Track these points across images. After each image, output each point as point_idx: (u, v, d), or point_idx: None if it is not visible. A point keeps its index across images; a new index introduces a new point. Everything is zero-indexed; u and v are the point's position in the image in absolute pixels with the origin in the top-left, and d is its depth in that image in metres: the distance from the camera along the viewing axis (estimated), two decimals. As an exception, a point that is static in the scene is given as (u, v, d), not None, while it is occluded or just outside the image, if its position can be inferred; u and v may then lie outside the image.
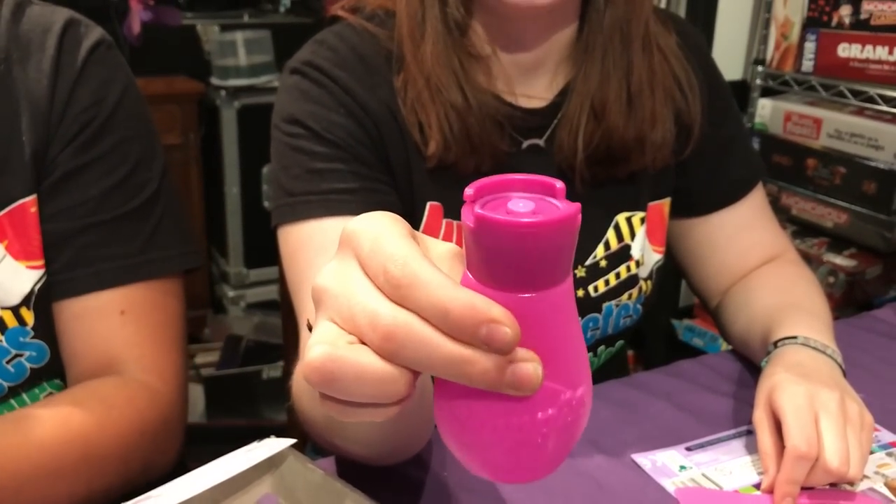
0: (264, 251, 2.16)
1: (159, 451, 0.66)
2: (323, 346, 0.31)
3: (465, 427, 0.33)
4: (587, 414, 0.34)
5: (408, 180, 0.79)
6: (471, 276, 0.32)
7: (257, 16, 2.31)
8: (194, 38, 2.21)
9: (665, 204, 0.89)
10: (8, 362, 0.69)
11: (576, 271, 0.84)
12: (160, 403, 0.71)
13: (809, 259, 1.59)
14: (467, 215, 0.31)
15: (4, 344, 0.69)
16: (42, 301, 0.70)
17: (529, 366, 0.30)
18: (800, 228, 1.65)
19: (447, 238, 0.80)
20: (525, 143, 0.82)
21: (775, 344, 0.77)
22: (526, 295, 0.31)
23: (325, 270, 0.34)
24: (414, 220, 0.80)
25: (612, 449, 0.72)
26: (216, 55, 2.13)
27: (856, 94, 1.53)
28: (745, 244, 0.93)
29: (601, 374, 0.88)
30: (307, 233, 0.74)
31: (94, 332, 0.70)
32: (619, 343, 0.93)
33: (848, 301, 1.52)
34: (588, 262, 0.84)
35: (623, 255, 0.85)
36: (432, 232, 0.80)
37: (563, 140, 0.81)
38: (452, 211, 0.80)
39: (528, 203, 0.31)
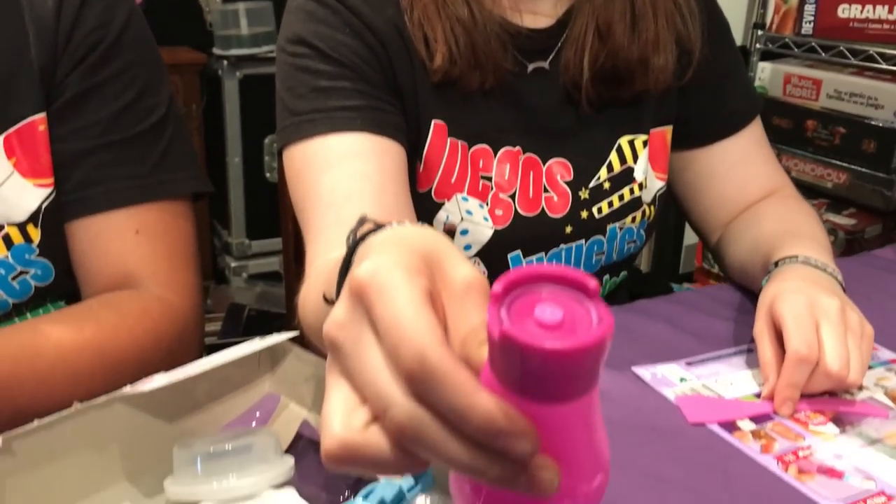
0: (267, 222, 2.16)
1: (176, 363, 0.67)
2: (337, 431, 0.29)
3: None
4: (603, 494, 0.33)
5: (413, 98, 0.80)
6: (492, 373, 0.29)
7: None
8: (196, 8, 2.21)
9: (667, 131, 0.90)
10: (13, 279, 0.70)
11: (580, 193, 0.85)
12: (175, 316, 0.71)
13: (809, 220, 1.60)
14: (493, 323, 0.27)
15: (10, 260, 0.69)
16: (49, 219, 0.70)
17: (546, 474, 0.28)
18: (801, 189, 1.64)
19: (451, 157, 0.81)
20: (530, 67, 0.83)
21: (776, 264, 0.78)
22: (548, 406, 0.29)
23: (336, 318, 0.31)
24: (420, 139, 0.80)
25: (611, 362, 0.73)
26: (218, 25, 2.13)
27: (855, 53, 1.54)
28: (744, 176, 0.93)
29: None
30: (312, 150, 0.75)
31: (109, 251, 0.71)
32: (623, 273, 0.94)
33: (848, 260, 1.53)
34: (592, 185, 0.85)
35: (626, 177, 0.86)
36: (437, 151, 0.81)
37: (569, 60, 0.82)
38: (456, 129, 0.81)
39: (557, 311, 0.28)
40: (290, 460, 0.53)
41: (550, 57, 0.83)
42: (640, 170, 0.87)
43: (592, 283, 0.28)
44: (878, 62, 1.48)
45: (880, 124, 1.48)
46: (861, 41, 1.52)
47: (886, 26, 1.47)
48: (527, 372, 0.27)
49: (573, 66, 0.82)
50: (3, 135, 0.68)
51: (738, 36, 1.78)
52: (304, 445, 0.58)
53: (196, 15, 2.19)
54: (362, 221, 0.42)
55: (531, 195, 0.84)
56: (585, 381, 0.28)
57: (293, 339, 0.61)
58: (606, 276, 0.91)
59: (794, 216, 0.89)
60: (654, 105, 0.88)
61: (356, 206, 0.70)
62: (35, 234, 0.70)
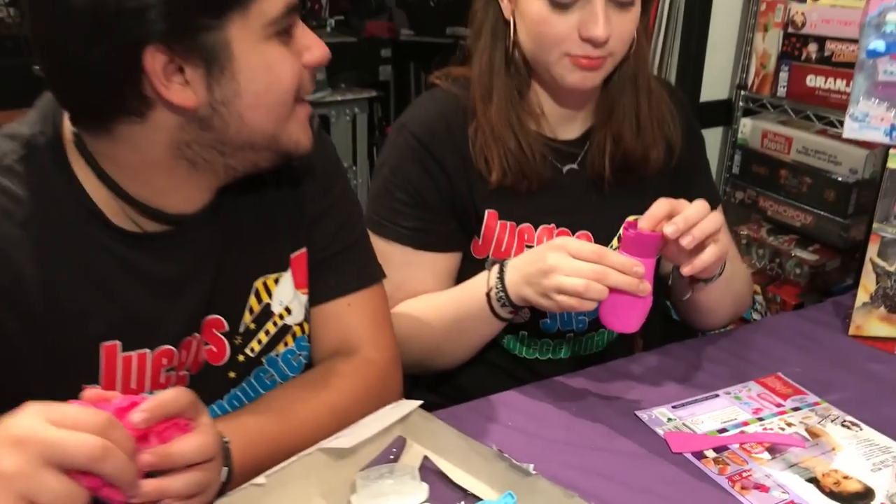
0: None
1: (382, 403, 0.95)
2: None
3: (614, 308, 0.97)
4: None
5: (470, 197, 1.15)
6: (623, 251, 0.95)
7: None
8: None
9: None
10: (294, 360, 1.00)
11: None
12: (381, 372, 0.98)
13: (780, 253, 1.90)
14: (630, 226, 0.97)
15: (293, 347, 0.99)
16: (308, 315, 1.00)
17: (647, 284, 0.91)
18: (774, 227, 1.96)
19: (501, 233, 1.17)
20: (565, 169, 1.17)
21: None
22: (645, 259, 0.93)
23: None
24: (477, 222, 1.16)
25: (621, 408, 1.06)
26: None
27: (820, 118, 1.83)
28: None
29: (618, 342, 1.24)
30: (377, 244, 1.09)
31: (333, 325, 0.99)
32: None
33: (812, 288, 1.84)
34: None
35: None
36: (490, 230, 1.17)
37: (594, 161, 1.17)
38: (505, 215, 1.16)
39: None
40: (426, 486, 0.86)
41: (579, 159, 1.17)
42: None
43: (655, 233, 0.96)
44: (837, 126, 1.78)
45: (839, 178, 1.79)
46: (824, 107, 1.81)
47: (844, 97, 1.77)
48: (639, 244, 0.94)
49: (597, 164, 1.17)
50: (291, 259, 0.95)
51: (724, 93, 2.07)
52: (424, 474, 0.90)
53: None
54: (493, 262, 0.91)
55: None
56: (656, 250, 0.95)
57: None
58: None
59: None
60: (651, 193, 1.20)
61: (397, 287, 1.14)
62: (306, 327, 0.99)
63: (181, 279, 0.87)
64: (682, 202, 0.99)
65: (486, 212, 1.15)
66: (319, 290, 1.00)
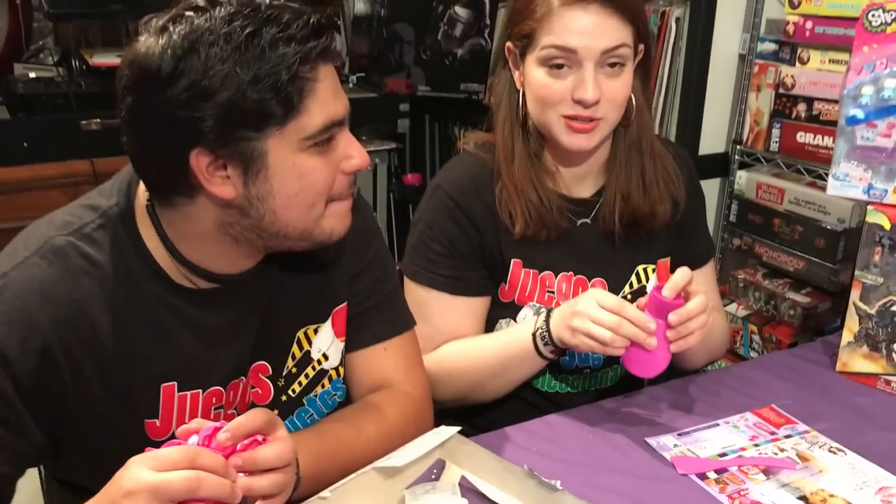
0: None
1: (418, 429, 1.09)
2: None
3: (636, 355, 1.13)
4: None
5: (497, 248, 1.29)
6: (646, 309, 1.11)
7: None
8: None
9: (668, 260, 1.36)
10: (329, 399, 1.13)
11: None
12: (416, 404, 1.11)
13: (775, 295, 2.04)
14: (656, 290, 1.13)
15: (329, 388, 1.12)
16: (343, 359, 1.13)
17: (654, 340, 1.11)
18: (769, 271, 2.10)
19: (525, 279, 1.31)
20: (579, 222, 1.31)
21: None
22: (660, 319, 1.11)
23: None
24: (504, 270, 1.30)
25: (633, 435, 1.19)
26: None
27: (809, 171, 1.98)
28: None
29: (631, 375, 1.38)
30: (415, 290, 1.26)
31: (370, 367, 1.12)
32: None
33: (805, 328, 1.96)
34: (620, 295, 1.32)
35: (642, 291, 1.34)
36: (515, 277, 1.31)
37: (605, 217, 1.31)
38: (529, 263, 1.30)
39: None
40: (466, 501, 0.99)
41: (592, 215, 1.32)
42: (651, 287, 1.34)
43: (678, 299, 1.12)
44: (825, 179, 1.92)
45: (828, 227, 1.92)
46: (814, 161, 1.95)
47: (831, 152, 1.91)
48: (659, 307, 1.11)
49: (608, 220, 1.31)
50: (333, 313, 1.09)
51: (721, 147, 2.22)
52: (462, 492, 1.04)
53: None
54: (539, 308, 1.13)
55: None
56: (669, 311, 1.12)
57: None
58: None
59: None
60: (658, 244, 1.35)
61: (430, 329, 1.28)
62: (341, 370, 1.12)
63: (230, 330, 1.00)
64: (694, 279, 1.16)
65: (512, 261, 1.30)
66: (359, 338, 1.13)
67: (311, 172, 0.89)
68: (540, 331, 1.22)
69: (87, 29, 2.56)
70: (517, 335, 1.26)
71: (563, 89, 1.20)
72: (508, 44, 1.27)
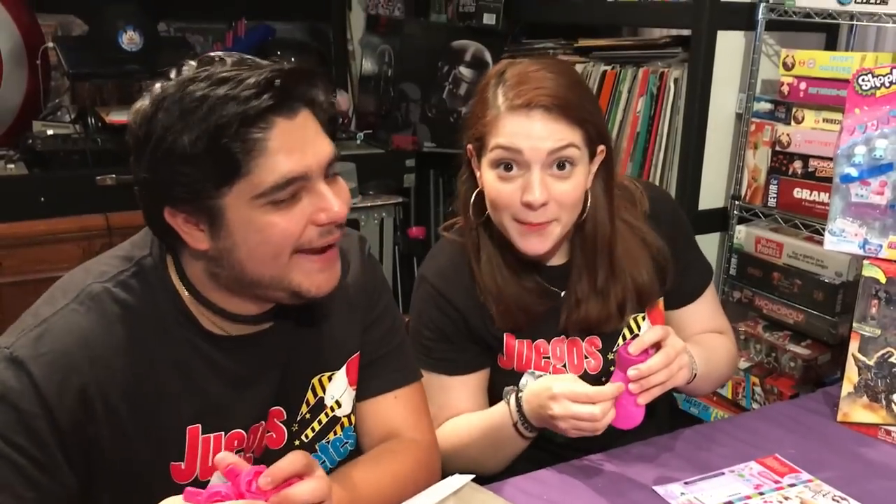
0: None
1: (429, 475, 1.14)
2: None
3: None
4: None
5: (485, 328, 1.33)
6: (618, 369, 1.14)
7: (340, 147, 2.85)
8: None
9: (660, 303, 1.41)
10: (341, 447, 1.16)
11: (608, 356, 1.36)
12: (424, 451, 1.16)
13: (776, 348, 2.08)
14: (624, 349, 1.16)
15: (342, 436, 1.15)
16: (355, 407, 1.16)
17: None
18: (769, 324, 2.14)
19: (521, 348, 1.35)
20: (562, 293, 1.34)
21: None
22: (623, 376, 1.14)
23: None
24: (499, 343, 1.34)
25: (641, 483, 1.22)
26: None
27: (806, 225, 2.03)
28: (703, 323, 1.46)
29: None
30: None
31: (379, 415, 1.16)
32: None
33: (805, 380, 1.99)
34: (615, 349, 1.36)
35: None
36: (511, 348, 1.35)
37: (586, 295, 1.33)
38: (522, 336, 1.34)
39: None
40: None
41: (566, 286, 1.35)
42: (644, 329, 1.38)
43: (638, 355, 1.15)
44: (822, 234, 1.97)
45: (826, 280, 1.97)
46: (810, 216, 2.01)
47: (827, 207, 1.97)
48: (627, 363, 1.13)
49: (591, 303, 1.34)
50: (347, 362, 1.13)
51: (720, 202, 2.27)
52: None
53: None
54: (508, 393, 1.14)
55: (576, 362, 1.36)
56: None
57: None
58: None
59: (713, 340, 1.41)
60: (647, 292, 1.38)
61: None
62: (353, 418, 1.16)
63: (252, 376, 1.05)
64: (670, 334, 1.19)
65: (505, 335, 1.35)
66: (370, 386, 1.17)
67: (268, 228, 0.91)
68: (520, 422, 1.26)
69: (103, 88, 2.64)
70: (499, 420, 1.29)
71: (513, 192, 1.21)
72: (468, 146, 1.29)
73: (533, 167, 1.20)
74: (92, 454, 0.94)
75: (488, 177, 1.25)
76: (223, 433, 1.02)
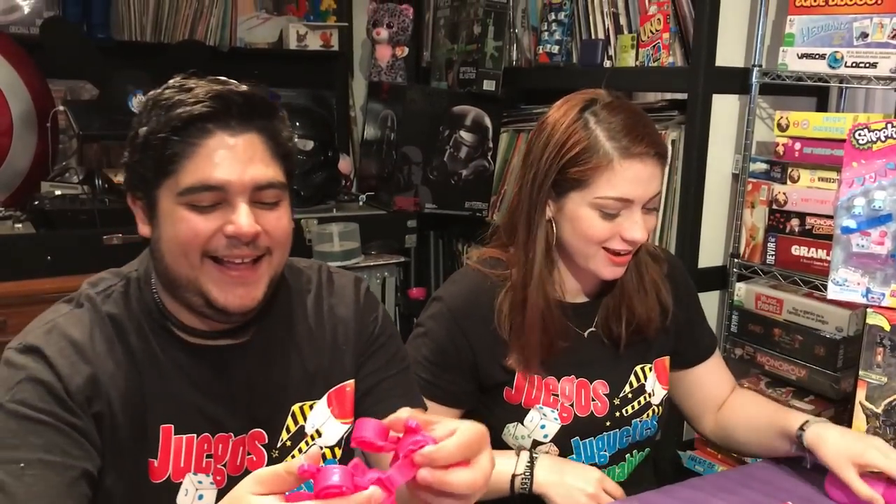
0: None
1: None
2: None
3: None
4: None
5: (495, 359, 1.35)
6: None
7: (342, 209, 2.91)
8: (298, 229, 2.79)
9: (666, 359, 1.44)
10: None
11: (615, 401, 1.38)
12: None
13: (779, 403, 2.08)
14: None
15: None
16: (346, 443, 1.18)
17: None
18: (771, 380, 2.15)
19: (530, 385, 1.36)
20: (587, 333, 1.38)
21: (801, 429, 1.31)
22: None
23: None
24: (509, 376, 1.36)
25: (655, 530, 1.22)
26: (315, 242, 2.65)
27: (805, 282, 2.06)
28: (719, 382, 1.50)
29: (637, 474, 1.41)
30: None
31: None
32: (647, 450, 1.46)
33: (810, 436, 2.01)
34: (621, 395, 1.38)
35: (641, 390, 1.40)
36: (521, 382, 1.36)
37: (612, 326, 1.39)
38: (533, 372, 1.36)
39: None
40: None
41: (595, 322, 1.39)
42: (650, 385, 1.41)
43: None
44: (821, 290, 2.01)
45: (827, 335, 1.99)
46: (809, 273, 2.04)
47: (825, 264, 2.01)
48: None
49: (615, 331, 1.38)
50: (328, 393, 1.16)
51: (719, 260, 2.31)
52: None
53: (298, 234, 2.76)
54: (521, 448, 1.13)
55: (584, 403, 1.37)
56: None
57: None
58: (635, 451, 1.43)
59: (761, 400, 1.46)
60: (655, 347, 1.42)
61: None
62: (338, 452, 1.17)
63: (222, 386, 1.10)
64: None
65: (516, 372, 1.37)
66: (375, 412, 1.16)
67: (180, 223, 1.01)
68: (521, 478, 1.28)
69: (110, 150, 2.69)
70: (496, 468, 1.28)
71: (612, 228, 1.30)
72: (549, 179, 1.32)
73: (634, 207, 1.29)
74: (101, 436, 1.02)
75: (585, 213, 1.30)
76: (195, 436, 1.08)
